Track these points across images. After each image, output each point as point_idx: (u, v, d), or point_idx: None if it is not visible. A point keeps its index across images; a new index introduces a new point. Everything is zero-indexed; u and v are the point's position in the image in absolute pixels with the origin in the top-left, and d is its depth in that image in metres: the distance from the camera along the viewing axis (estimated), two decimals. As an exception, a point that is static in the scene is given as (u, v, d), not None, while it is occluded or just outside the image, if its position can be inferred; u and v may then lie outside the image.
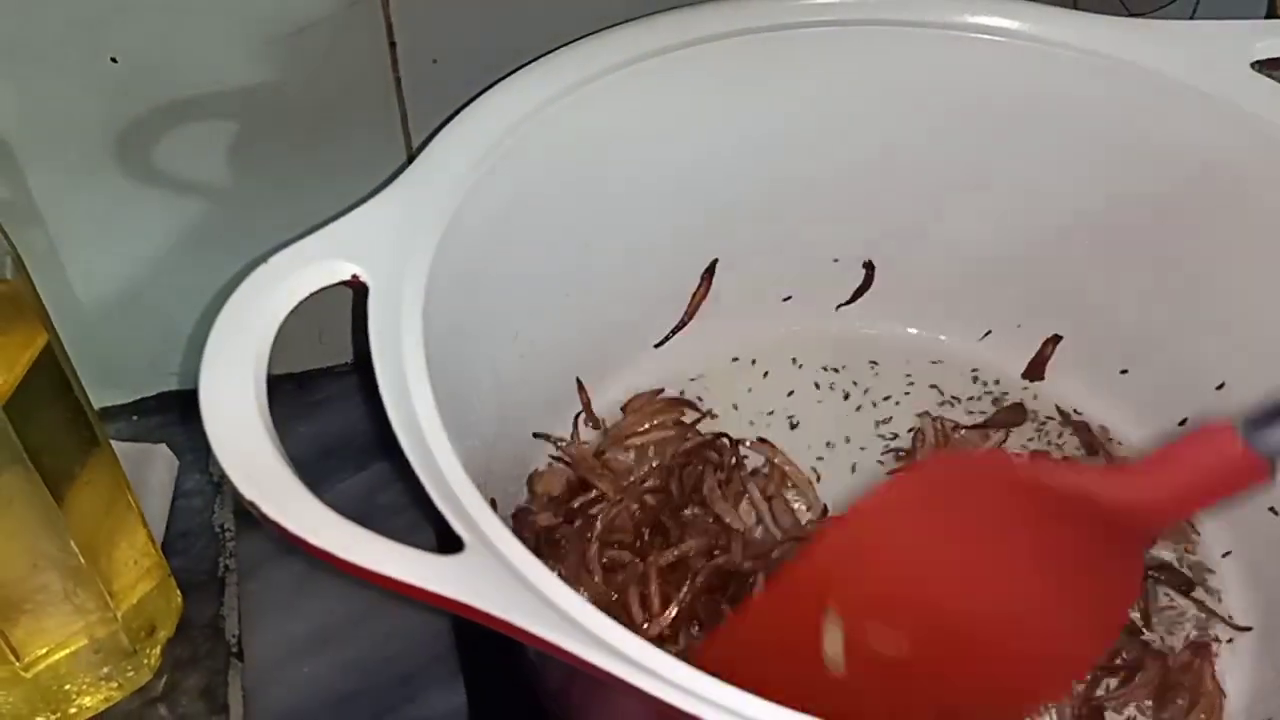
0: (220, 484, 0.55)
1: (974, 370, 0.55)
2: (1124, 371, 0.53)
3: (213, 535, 0.53)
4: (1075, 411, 0.53)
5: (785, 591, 0.33)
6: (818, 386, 0.55)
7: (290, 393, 0.57)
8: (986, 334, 0.56)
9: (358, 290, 0.36)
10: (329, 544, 0.28)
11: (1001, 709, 0.32)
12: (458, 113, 0.42)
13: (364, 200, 0.38)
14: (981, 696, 0.31)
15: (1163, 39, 0.46)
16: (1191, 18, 0.58)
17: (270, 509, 0.28)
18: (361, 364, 0.35)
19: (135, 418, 0.57)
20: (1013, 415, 0.54)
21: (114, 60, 0.46)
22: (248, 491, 0.29)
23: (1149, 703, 0.44)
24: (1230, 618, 0.47)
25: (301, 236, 0.37)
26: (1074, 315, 0.53)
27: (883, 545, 0.31)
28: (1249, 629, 0.46)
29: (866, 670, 0.31)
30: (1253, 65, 0.45)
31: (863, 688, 0.30)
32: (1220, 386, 0.49)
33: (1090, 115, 0.48)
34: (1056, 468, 0.33)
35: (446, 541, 0.32)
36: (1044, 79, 0.47)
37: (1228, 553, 0.49)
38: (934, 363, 0.55)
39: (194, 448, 0.56)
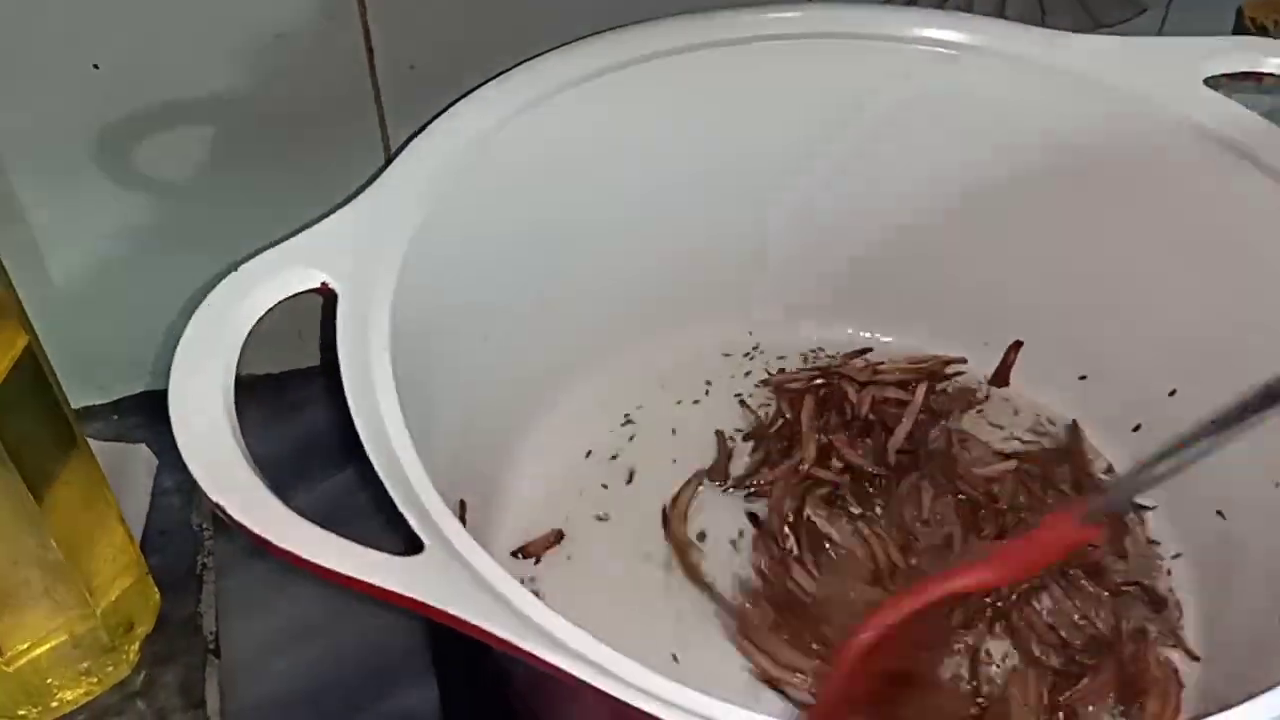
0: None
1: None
2: (1082, 378, 0.54)
3: (191, 534, 0.54)
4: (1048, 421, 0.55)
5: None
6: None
7: (270, 392, 0.57)
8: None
9: (327, 297, 0.37)
10: (293, 545, 0.29)
11: None
12: (427, 124, 0.43)
13: (334, 210, 0.39)
14: None
15: (1123, 55, 0.47)
16: (1160, 32, 0.59)
17: (236, 512, 0.29)
18: (328, 370, 0.36)
19: (115, 417, 0.58)
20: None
21: (96, 67, 0.47)
22: (215, 495, 0.30)
23: (1119, 707, 0.46)
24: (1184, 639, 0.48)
25: (277, 243, 0.38)
26: (1033, 325, 0.55)
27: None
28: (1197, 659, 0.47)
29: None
30: (1206, 81, 0.46)
31: None
32: (1172, 393, 0.50)
33: (1050, 126, 0.49)
34: (932, 588, 0.41)
35: (412, 542, 0.33)
36: (1008, 91, 0.48)
37: (1178, 554, 0.50)
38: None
39: (172, 447, 0.56)
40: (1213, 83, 0.46)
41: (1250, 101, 0.48)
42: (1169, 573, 0.50)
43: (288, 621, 0.51)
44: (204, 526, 0.54)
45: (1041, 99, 0.48)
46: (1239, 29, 0.61)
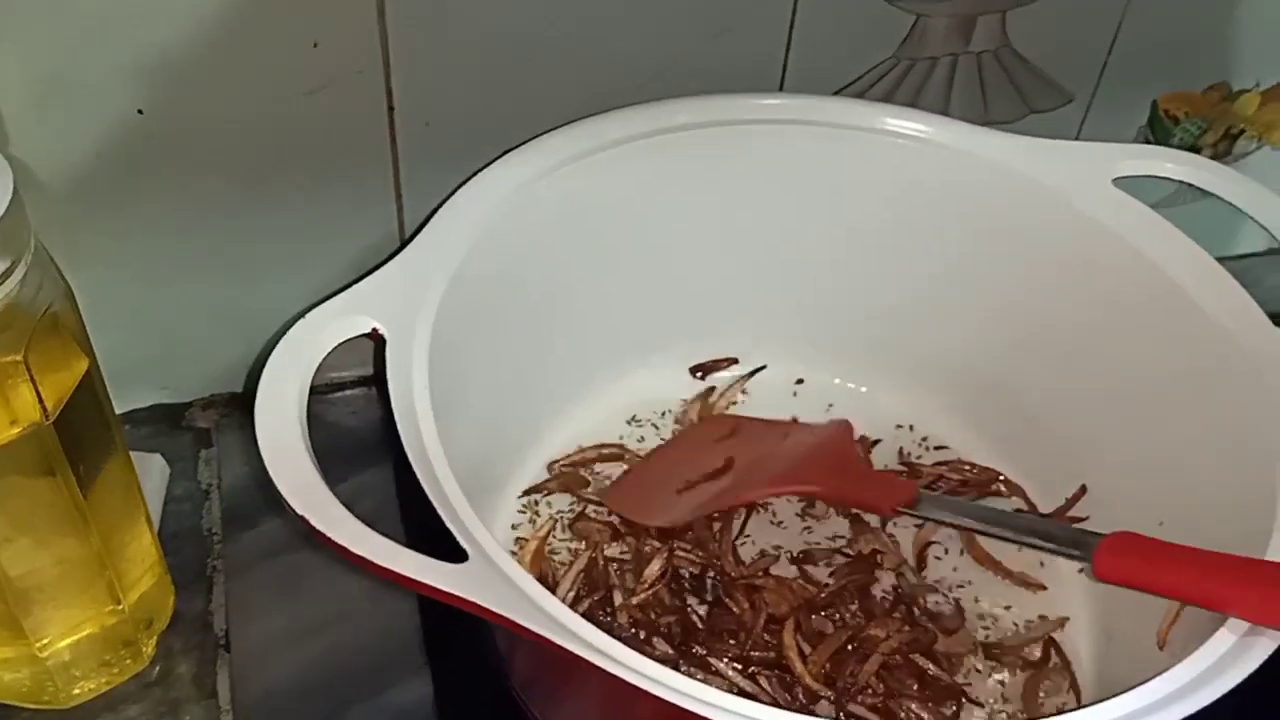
0: (208, 491, 0.59)
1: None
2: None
3: (201, 538, 0.57)
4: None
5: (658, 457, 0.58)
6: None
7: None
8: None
9: (377, 342, 0.42)
10: (368, 553, 0.34)
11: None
12: (460, 186, 0.49)
13: (381, 265, 0.44)
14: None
15: (1047, 154, 0.54)
16: (1084, 118, 0.67)
17: (319, 523, 0.34)
18: (385, 403, 0.41)
19: (128, 427, 0.60)
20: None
21: (140, 111, 0.51)
22: (299, 508, 0.35)
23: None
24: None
25: (327, 296, 0.43)
26: (972, 384, 0.60)
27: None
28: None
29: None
30: (1115, 181, 0.53)
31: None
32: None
33: (980, 209, 0.55)
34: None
35: (431, 550, 0.37)
36: (949, 177, 0.55)
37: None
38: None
39: (182, 456, 0.60)
40: (1121, 183, 0.53)
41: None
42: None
43: (293, 620, 0.54)
44: (214, 531, 0.57)
45: (975, 186, 0.55)
46: (1153, 118, 0.69)
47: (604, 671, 0.35)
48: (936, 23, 0.60)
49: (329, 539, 0.35)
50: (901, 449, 0.61)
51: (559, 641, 0.34)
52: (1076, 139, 0.67)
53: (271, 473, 0.36)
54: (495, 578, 0.35)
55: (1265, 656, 0.37)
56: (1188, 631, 0.42)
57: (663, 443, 0.59)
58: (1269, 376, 0.46)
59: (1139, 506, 0.50)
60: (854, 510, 0.56)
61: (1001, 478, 0.59)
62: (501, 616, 0.34)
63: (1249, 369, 0.46)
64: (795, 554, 0.56)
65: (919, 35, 0.60)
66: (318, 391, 0.62)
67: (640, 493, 0.56)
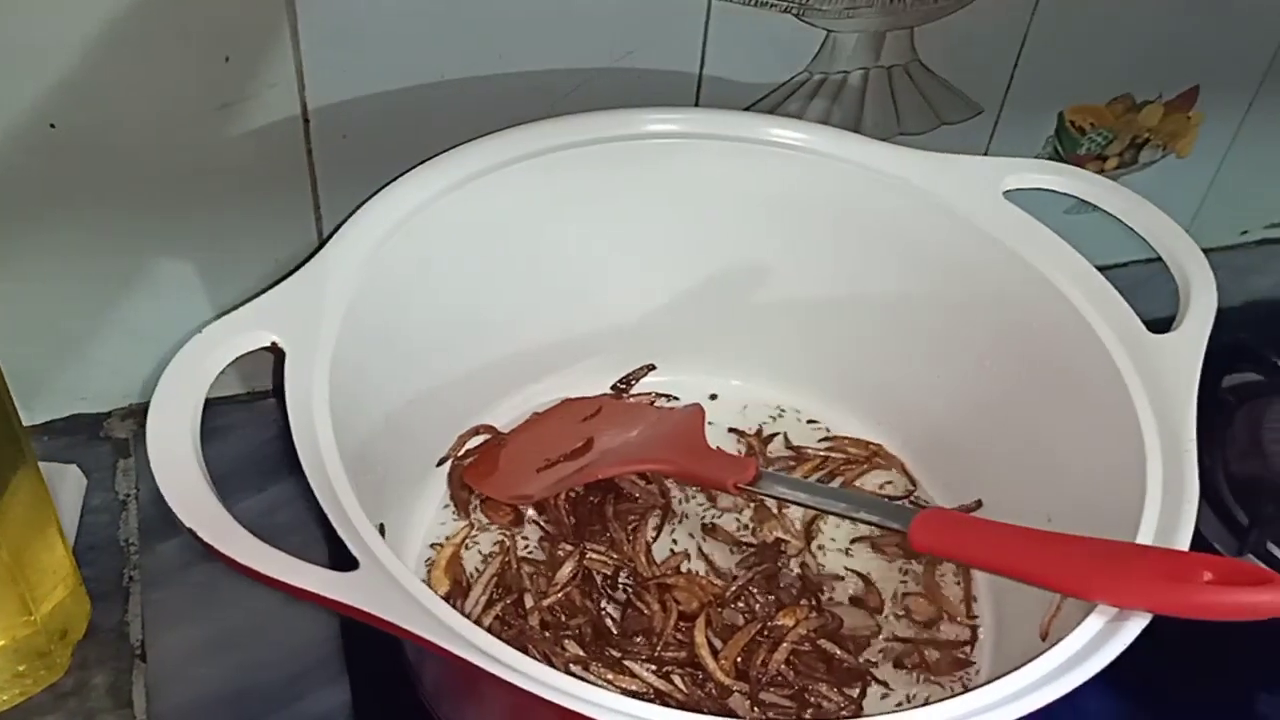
0: (125, 502, 0.59)
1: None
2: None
3: (118, 549, 0.57)
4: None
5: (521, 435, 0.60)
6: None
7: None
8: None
9: (277, 355, 0.43)
10: (256, 564, 0.35)
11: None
12: (365, 201, 0.49)
13: (280, 280, 0.45)
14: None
15: (940, 167, 0.56)
16: (993, 129, 0.69)
17: (207, 535, 0.35)
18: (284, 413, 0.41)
19: (46, 438, 0.61)
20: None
21: (52, 126, 0.51)
22: (188, 521, 0.36)
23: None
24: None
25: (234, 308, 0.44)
26: (867, 384, 0.63)
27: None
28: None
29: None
30: (1004, 194, 0.55)
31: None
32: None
33: (873, 220, 0.57)
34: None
35: (340, 559, 0.38)
36: (841, 188, 0.57)
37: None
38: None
39: (100, 467, 0.60)
40: (1015, 196, 0.55)
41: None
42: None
43: (209, 631, 0.54)
44: (130, 542, 0.57)
45: (869, 198, 0.56)
46: (1061, 129, 0.71)
47: (495, 677, 0.35)
48: (846, 38, 0.61)
49: (219, 552, 0.36)
50: (786, 435, 0.63)
51: (446, 646, 0.35)
52: (987, 150, 0.69)
53: (162, 488, 0.37)
54: (386, 585, 0.36)
55: (1127, 644, 0.39)
56: (1066, 624, 0.43)
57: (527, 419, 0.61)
58: (1140, 375, 0.48)
59: (1027, 500, 0.52)
60: (754, 500, 0.58)
61: (880, 450, 0.62)
62: (390, 623, 0.35)
63: (1122, 372, 0.48)
64: (703, 523, 0.58)
65: (829, 51, 0.61)
66: (240, 400, 0.63)
67: (499, 469, 0.58)
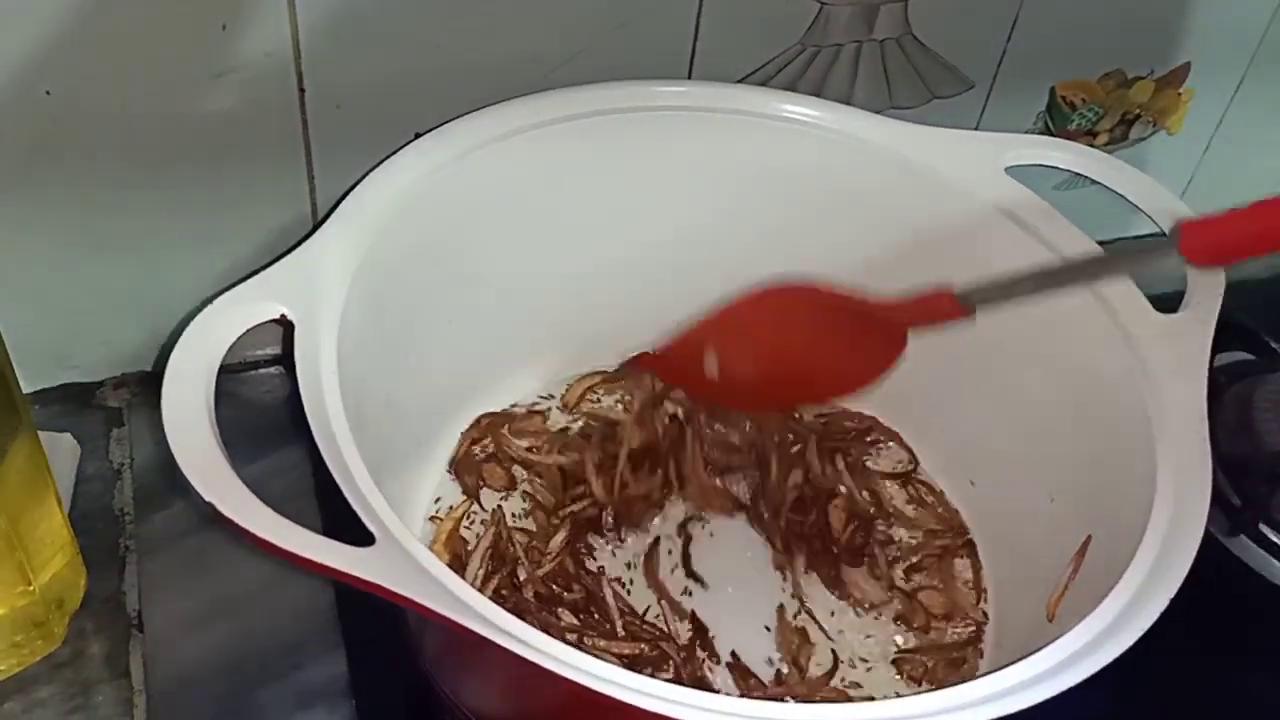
0: (120, 471, 0.59)
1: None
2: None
3: (112, 518, 0.57)
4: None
5: (687, 340, 0.56)
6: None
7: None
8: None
9: (286, 327, 0.43)
10: (274, 538, 0.35)
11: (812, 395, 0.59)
12: (368, 173, 0.49)
13: (292, 249, 0.45)
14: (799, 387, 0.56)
15: (944, 143, 0.56)
16: (984, 104, 0.69)
17: (225, 509, 0.35)
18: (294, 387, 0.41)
19: (38, 407, 0.60)
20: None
21: (48, 93, 0.50)
22: (206, 494, 0.35)
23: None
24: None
25: (239, 279, 0.44)
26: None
27: (740, 322, 0.54)
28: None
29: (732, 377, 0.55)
30: (1007, 170, 0.55)
31: (730, 385, 0.55)
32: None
33: (873, 196, 0.57)
34: (844, 291, 0.51)
35: (337, 530, 0.38)
36: (843, 163, 0.57)
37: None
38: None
39: (93, 436, 0.60)
40: (1012, 171, 0.55)
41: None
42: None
43: (205, 600, 0.54)
44: (125, 511, 0.57)
45: (869, 172, 0.57)
46: (1052, 104, 0.71)
47: (507, 650, 0.36)
48: (840, 11, 0.61)
49: (236, 524, 0.36)
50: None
51: (464, 623, 0.35)
52: (978, 125, 0.69)
53: (177, 458, 0.37)
54: (401, 560, 0.36)
55: (1151, 621, 0.39)
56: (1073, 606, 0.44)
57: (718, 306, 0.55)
58: (1148, 355, 0.48)
59: (1028, 483, 0.52)
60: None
61: (875, 423, 0.63)
62: (408, 599, 0.35)
63: (1130, 348, 0.49)
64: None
65: (823, 23, 0.61)
66: (232, 370, 0.63)
67: (679, 361, 0.56)
